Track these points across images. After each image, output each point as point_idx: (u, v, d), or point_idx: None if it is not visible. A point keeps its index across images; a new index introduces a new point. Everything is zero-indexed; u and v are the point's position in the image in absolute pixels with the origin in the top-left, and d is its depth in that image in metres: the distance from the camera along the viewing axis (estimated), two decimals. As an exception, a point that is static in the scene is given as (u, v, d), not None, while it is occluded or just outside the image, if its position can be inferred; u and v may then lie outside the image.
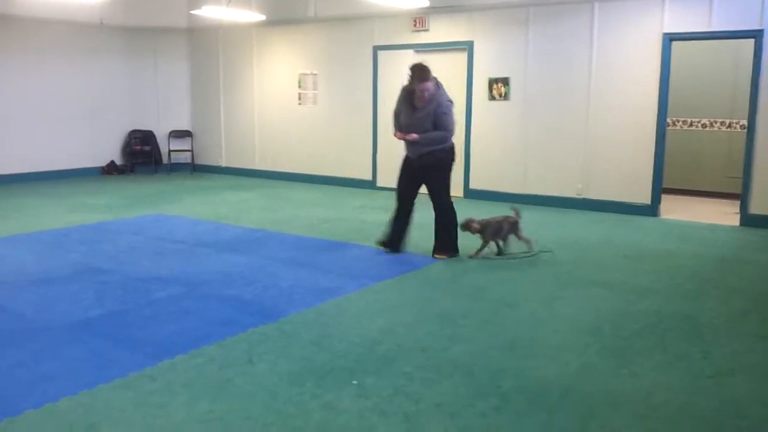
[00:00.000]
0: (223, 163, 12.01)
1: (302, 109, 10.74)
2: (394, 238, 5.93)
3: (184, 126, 12.45)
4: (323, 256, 5.84)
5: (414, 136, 5.57)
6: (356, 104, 10.11)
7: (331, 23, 10.22)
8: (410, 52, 9.42)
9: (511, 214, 5.90)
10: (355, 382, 3.23)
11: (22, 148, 10.65)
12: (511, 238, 5.89)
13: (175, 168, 12.37)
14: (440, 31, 9.15)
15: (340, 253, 5.97)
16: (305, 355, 3.57)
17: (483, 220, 5.82)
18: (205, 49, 11.93)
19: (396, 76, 9.61)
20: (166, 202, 8.85)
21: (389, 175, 9.88)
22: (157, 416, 2.88)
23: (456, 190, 9.20)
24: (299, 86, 10.69)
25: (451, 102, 5.63)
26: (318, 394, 3.10)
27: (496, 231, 5.80)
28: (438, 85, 5.59)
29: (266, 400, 3.04)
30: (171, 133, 12.31)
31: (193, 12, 10.18)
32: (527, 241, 5.92)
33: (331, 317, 4.20)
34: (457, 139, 9.01)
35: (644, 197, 7.93)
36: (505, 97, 8.68)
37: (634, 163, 7.93)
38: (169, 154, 12.35)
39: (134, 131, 12.16)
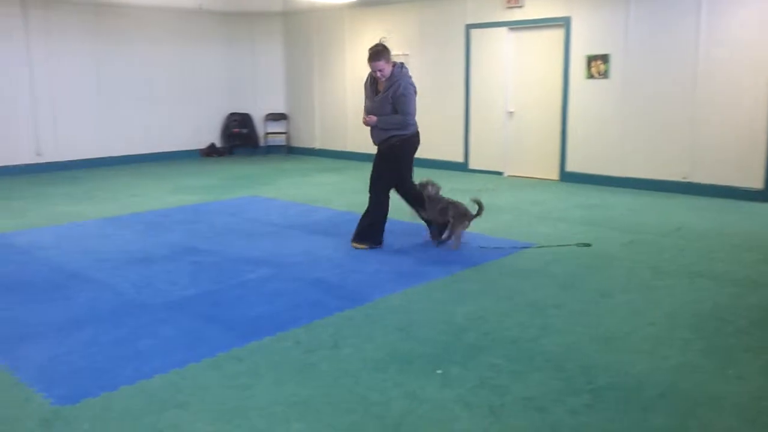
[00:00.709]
0: (317, 146, 12.16)
1: (394, 91, 10.66)
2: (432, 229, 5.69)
3: (279, 109, 12.69)
4: (410, 240, 5.79)
5: (373, 118, 5.37)
6: (448, 85, 9.95)
7: (422, 2, 10.07)
8: (504, 29, 9.16)
9: (464, 205, 5.48)
10: (439, 371, 3.16)
11: (127, 131, 11.18)
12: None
13: (271, 150, 12.66)
14: (535, 7, 8.82)
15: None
16: (390, 341, 3.53)
17: (440, 195, 5.49)
18: (300, 32, 12.07)
19: (490, 56, 9.39)
20: (262, 184, 9.05)
21: (482, 158, 9.71)
22: (242, 398, 2.93)
23: (551, 173, 8.95)
24: (391, 68, 10.62)
25: (410, 84, 5.33)
26: (401, 382, 3.05)
27: (441, 209, 5.44)
28: (401, 67, 5.36)
29: (349, 385, 3.03)
30: (267, 116, 12.58)
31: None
32: (456, 238, 5.45)
33: (417, 303, 4.14)
34: (553, 119, 8.82)
35: (756, 181, 7.38)
36: (605, 75, 8.28)
37: (746, 144, 7.38)
38: (266, 137, 12.65)
39: (233, 114, 12.51)
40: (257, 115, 12.63)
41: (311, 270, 4.89)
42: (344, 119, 11.58)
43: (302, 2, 11.30)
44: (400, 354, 3.37)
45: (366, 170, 10.13)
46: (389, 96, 5.32)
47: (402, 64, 5.44)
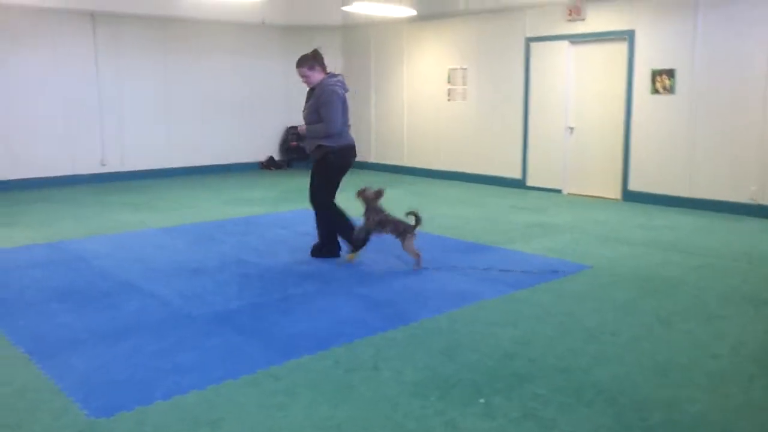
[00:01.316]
0: (372, 159, 12.14)
1: (451, 105, 10.57)
2: (324, 243, 5.62)
3: (337, 122, 12.71)
4: (462, 258, 5.64)
5: (302, 127, 5.37)
6: (507, 99, 9.77)
7: (482, 16, 9.94)
8: (565, 43, 8.94)
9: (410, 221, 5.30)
10: (482, 400, 3.01)
11: (189, 143, 11.41)
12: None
13: (328, 163, 12.68)
14: (598, 20, 8.58)
15: (481, 255, 5.74)
16: (432, 365, 3.40)
17: (381, 207, 5.32)
18: (358, 46, 12.11)
19: (550, 69, 9.18)
20: (315, 197, 9.04)
21: (540, 174, 9.48)
22: (276, 418, 2.85)
23: (613, 191, 8.64)
24: (448, 81, 10.52)
25: (334, 92, 5.20)
26: (441, 410, 2.92)
27: (380, 222, 5.26)
28: (331, 76, 5.30)
29: (387, 411, 2.91)
30: (325, 129, 12.62)
31: (344, 8, 10.30)
32: (413, 255, 5.26)
33: (464, 325, 4.00)
34: (615, 136, 8.52)
35: (836, 204, 6.94)
36: (670, 90, 7.95)
37: (825, 165, 6.95)
38: (323, 150, 12.68)
39: (291, 127, 12.60)
40: (315, 128, 12.67)
41: (357, 286, 4.81)
42: (400, 133, 11.52)
43: (361, 16, 11.33)
44: (441, 379, 3.24)
45: (422, 185, 10.11)
46: (313, 103, 5.26)
47: (335, 74, 5.38)
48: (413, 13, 10.23)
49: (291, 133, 12.55)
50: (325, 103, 5.20)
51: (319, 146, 5.33)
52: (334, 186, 5.49)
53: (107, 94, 10.40)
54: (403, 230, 5.24)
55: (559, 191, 9.27)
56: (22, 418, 2.87)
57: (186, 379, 3.24)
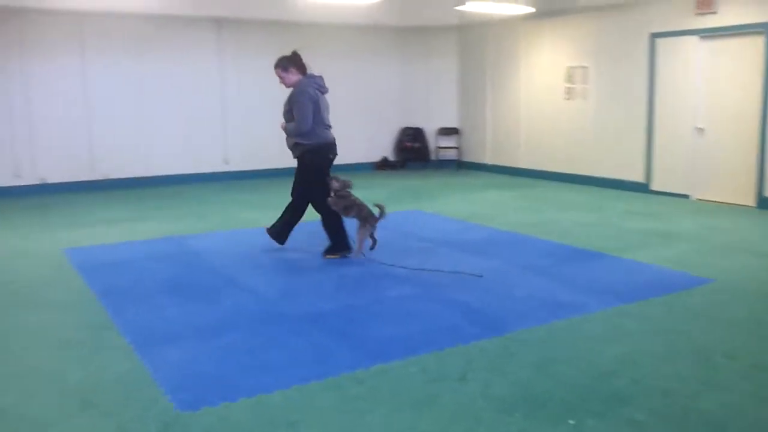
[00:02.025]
0: (488, 161, 11.90)
1: (570, 105, 10.15)
2: (277, 227, 5.89)
3: (451, 123, 12.60)
4: (570, 266, 5.36)
5: (282, 123, 5.63)
6: (629, 98, 9.25)
7: (603, 11, 9.46)
8: (694, 38, 8.32)
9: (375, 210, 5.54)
10: (572, 421, 2.81)
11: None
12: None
13: (442, 164, 12.60)
14: (731, 12, 7.90)
15: (591, 264, 5.43)
16: (523, 379, 3.22)
17: (348, 193, 5.56)
18: (474, 45, 11.91)
19: (677, 66, 8.60)
20: (427, 198, 8.99)
21: (665, 179, 8.92)
22: (354, 424, 2.80)
23: (746, 198, 7.96)
24: (567, 80, 10.11)
25: (304, 93, 5.39)
26: (526, 428, 2.75)
27: (346, 206, 5.50)
28: (309, 77, 5.51)
29: (469, 425, 2.79)
30: (439, 130, 12.55)
31: (457, 8, 10.14)
32: (358, 242, 5.53)
33: (563, 338, 3.78)
34: (750, 137, 7.82)
35: None
36: (817, 88, 7.20)
37: None
38: (437, 151, 12.62)
39: (406, 128, 12.63)
40: (429, 129, 12.64)
41: (454, 291, 4.68)
42: (517, 134, 11.21)
43: (477, 15, 11.12)
44: (531, 395, 3.06)
45: (538, 188, 9.79)
46: (288, 102, 5.52)
47: (314, 76, 5.60)
48: (531, 10, 9.91)
49: (406, 133, 12.58)
50: (296, 103, 5.45)
51: (296, 144, 5.62)
52: (320, 184, 5.68)
53: (230, 96, 10.86)
54: (364, 217, 5.47)
55: (686, 197, 8.65)
56: (115, 405, 3.00)
57: (272, 377, 3.26)
